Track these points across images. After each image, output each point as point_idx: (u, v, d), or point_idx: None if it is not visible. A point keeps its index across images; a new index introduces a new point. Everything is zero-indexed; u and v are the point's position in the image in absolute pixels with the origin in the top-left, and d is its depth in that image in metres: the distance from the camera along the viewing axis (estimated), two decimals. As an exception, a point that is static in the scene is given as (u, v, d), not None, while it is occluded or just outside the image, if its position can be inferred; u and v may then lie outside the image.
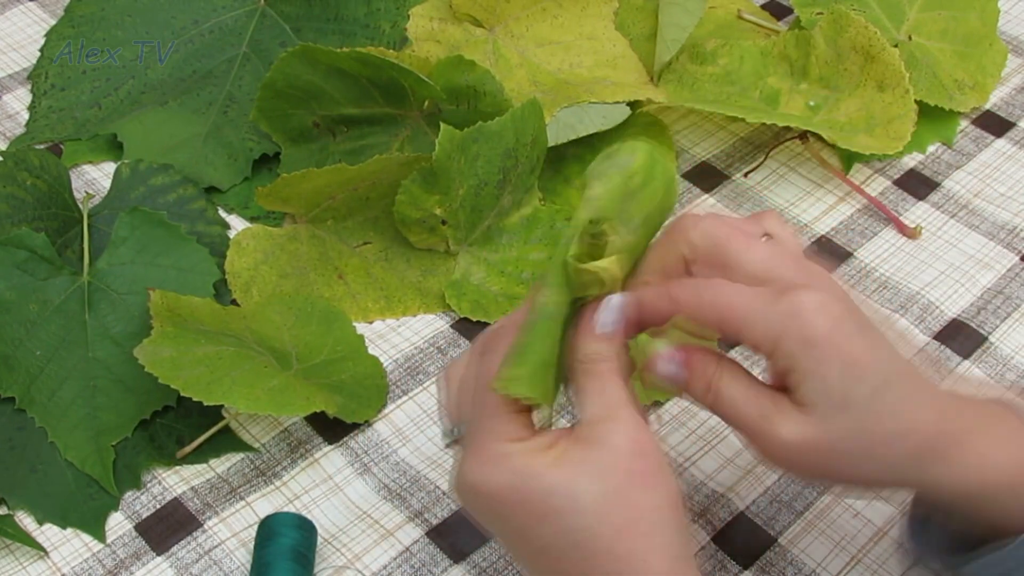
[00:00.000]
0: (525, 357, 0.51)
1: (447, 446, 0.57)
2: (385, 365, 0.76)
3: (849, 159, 0.90)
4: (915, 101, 0.87)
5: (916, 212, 0.87)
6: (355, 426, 0.73)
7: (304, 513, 0.68)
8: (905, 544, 0.60)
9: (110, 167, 0.88)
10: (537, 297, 0.51)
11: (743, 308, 0.50)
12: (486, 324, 0.78)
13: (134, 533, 0.67)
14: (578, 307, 0.53)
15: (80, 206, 0.82)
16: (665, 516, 0.50)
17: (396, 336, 0.78)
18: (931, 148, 0.92)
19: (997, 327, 0.79)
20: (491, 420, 0.51)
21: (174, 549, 0.67)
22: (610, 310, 0.52)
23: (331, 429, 0.72)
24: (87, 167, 0.89)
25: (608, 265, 0.51)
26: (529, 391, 0.50)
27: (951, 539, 0.56)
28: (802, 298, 0.49)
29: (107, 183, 0.84)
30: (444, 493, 0.69)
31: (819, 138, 0.91)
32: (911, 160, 0.91)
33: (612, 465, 0.49)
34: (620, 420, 0.50)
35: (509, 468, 0.50)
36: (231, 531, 0.67)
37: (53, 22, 0.98)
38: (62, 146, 0.90)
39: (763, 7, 1.04)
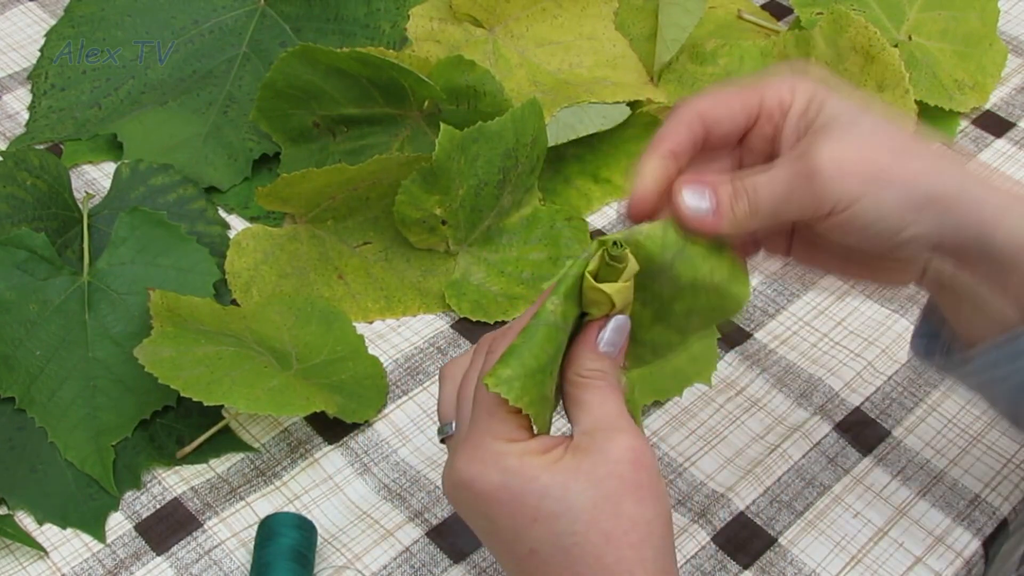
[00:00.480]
0: (520, 360, 0.50)
1: (442, 441, 0.57)
2: (385, 365, 0.76)
3: (849, 159, 0.90)
4: (915, 101, 0.87)
5: (916, 212, 0.87)
6: (355, 426, 0.73)
7: (304, 513, 0.68)
8: (914, 341, 0.63)
9: (110, 167, 0.88)
10: (545, 303, 0.51)
11: (762, 83, 0.54)
12: (486, 324, 0.78)
13: (134, 533, 0.67)
14: (582, 323, 0.53)
15: (80, 206, 0.82)
16: (655, 531, 0.50)
17: (396, 336, 0.78)
18: (931, 148, 0.92)
19: (997, 327, 0.79)
20: (488, 418, 0.51)
21: (174, 549, 0.67)
22: (616, 330, 0.52)
23: (331, 429, 0.72)
24: (87, 167, 0.89)
25: (622, 288, 0.51)
26: (518, 395, 0.50)
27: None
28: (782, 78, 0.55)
29: (107, 183, 0.84)
30: (444, 493, 0.69)
31: (819, 138, 0.90)
32: (911, 160, 0.91)
33: (608, 473, 0.50)
34: (620, 430, 0.51)
35: (503, 467, 0.50)
36: (231, 531, 0.67)
37: (53, 22, 0.98)
38: (62, 146, 0.90)
39: (763, 7, 1.04)
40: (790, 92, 0.53)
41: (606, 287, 0.51)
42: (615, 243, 0.51)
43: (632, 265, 0.51)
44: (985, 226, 0.52)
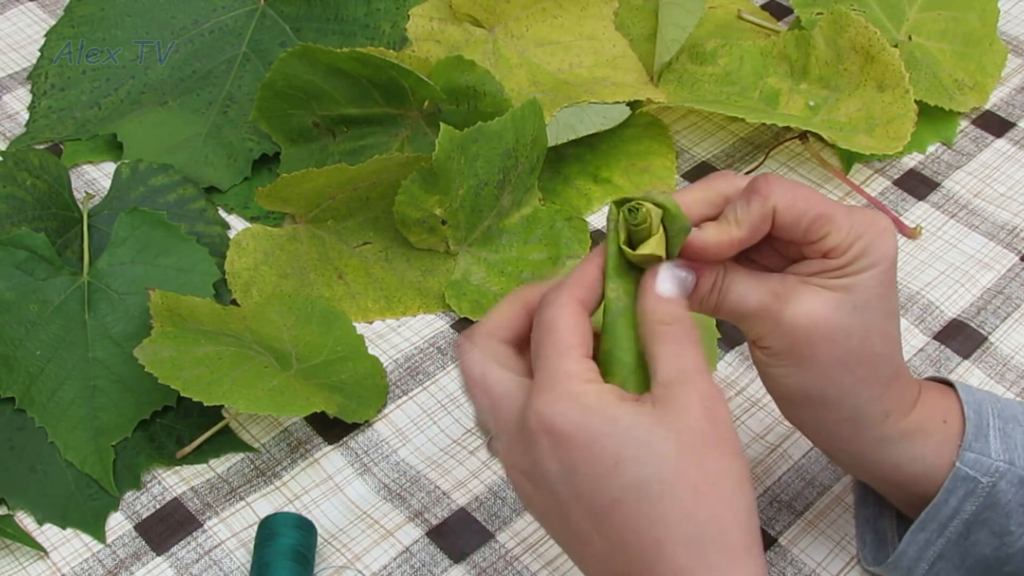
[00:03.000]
0: (620, 363, 0.52)
1: (488, 446, 0.55)
2: (385, 365, 0.76)
3: (849, 159, 0.90)
4: (915, 101, 0.87)
5: (916, 212, 0.87)
6: (355, 426, 0.73)
7: (304, 513, 0.68)
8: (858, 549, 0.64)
9: (110, 167, 0.88)
10: (607, 294, 0.52)
11: (833, 207, 0.54)
12: (486, 324, 0.78)
13: (134, 533, 0.67)
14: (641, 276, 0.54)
15: (80, 206, 0.82)
16: (743, 484, 0.48)
17: (396, 336, 0.78)
18: (931, 148, 0.92)
19: (997, 327, 0.79)
20: (560, 359, 0.49)
21: (174, 549, 0.67)
22: (677, 274, 0.52)
23: (331, 429, 0.72)
24: (87, 167, 0.89)
25: (660, 239, 0.52)
26: (640, 390, 0.51)
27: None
28: (881, 215, 0.55)
29: (107, 183, 0.84)
30: (444, 493, 0.69)
31: (819, 138, 0.91)
32: (911, 160, 0.91)
33: (687, 426, 0.47)
34: (696, 385, 0.49)
35: (585, 406, 0.48)
36: (231, 531, 0.67)
37: (53, 22, 0.98)
38: (62, 146, 0.90)
39: (763, 7, 1.04)
40: (848, 245, 0.54)
41: (645, 249, 0.51)
42: (630, 210, 0.51)
43: (655, 213, 0.52)
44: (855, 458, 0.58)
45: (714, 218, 0.55)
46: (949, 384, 0.60)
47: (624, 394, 0.50)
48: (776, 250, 0.56)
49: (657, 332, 0.51)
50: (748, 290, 0.54)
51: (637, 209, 0.51)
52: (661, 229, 0.52)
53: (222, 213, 0.85)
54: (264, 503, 0.69)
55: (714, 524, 0.46)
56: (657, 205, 0.52)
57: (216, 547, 0.67)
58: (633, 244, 0.52)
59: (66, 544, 0.67)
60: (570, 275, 0.53)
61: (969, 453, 0.57)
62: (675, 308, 0.52)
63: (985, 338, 0.78)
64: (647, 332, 0.51)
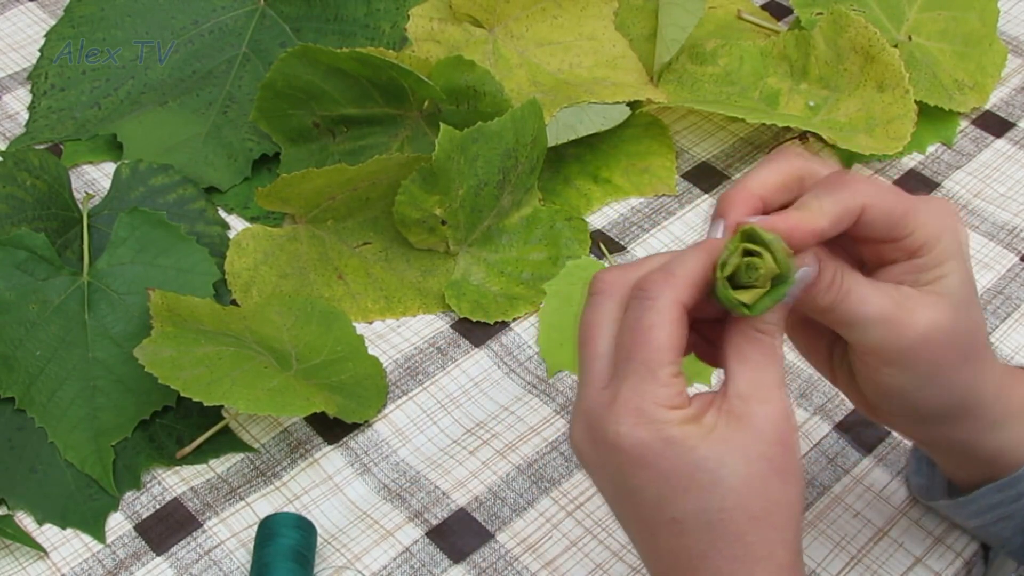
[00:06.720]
0: None
1: None
2: (385, 365, 0.76)
3: (849, 159, 0.90)
4: (915, 101, 0.87)
5: (916, 212, 0.87)
6: (355, 426, 0.73)
7: (304, 513, 0.68)
8: (911, 480, 0.64)
9: (110, 167, 0.88)
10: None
11: (915, 200, 0.52)
12: (486, 324, 0.78)
13: (134, 533, 0.67)
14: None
15: (80, 206, 0.82)
16: (796, 512, 0.50)
17: (396, 336, 0.78)
18: (931, 148, 0.92)
19: (997, 327, 0.79)
20: (647, 381, 0.49)
21: (174, 549, 0.67)
22: (799, 283, 0.50)
23: (331, 429, 0.72)
24: (87, 167, 0.89)
25: (756, 297, 0.49)
26: None
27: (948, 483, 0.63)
28: (945, 202, 0.54)
29: (107, 183, 0.84)
30: (444, 493, 0.69)
31: (819, 138, 0.91)
32: (911, 160, 0.91)
33: (759, 455, 0.48)
34: (771, 403, 0.49)
35: (666, 437, 0.48)
36: (231, 531, 0.67)
37: (53, 22, 0.98)
38: (62, 146, 0.90)
39: (763, 7, 1.04)
40: (936, 240, 0.52)
41: (743, 296, 0.49)
42: (748, 266, 0.49)
43: (765, 272, 0.49)
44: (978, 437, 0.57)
45: (790, 202, 0.52)
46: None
47: (701, 409, 0.49)
48: (845, 249, 0.54)
49: (754, 338, 0.50)
50: (869, 294, 0.51)
51: (756, 267, 0.48)
52: (769, 286, 0.49)
53: (222, 213, 0.85)
54: (264, 503, 0.69)
55: (763, 546, 0.49)
56: (780, 267, 0.49)
57: (216, 547, 0.67)
58: (733, 278, 0.49)
59: (66, 544, 0.67)
60: (679, 266, 0.50)
61: None
62: (777, 318, 0.50)
63: (985, 338, 0.78)
64: (738, 332, 0.50)
